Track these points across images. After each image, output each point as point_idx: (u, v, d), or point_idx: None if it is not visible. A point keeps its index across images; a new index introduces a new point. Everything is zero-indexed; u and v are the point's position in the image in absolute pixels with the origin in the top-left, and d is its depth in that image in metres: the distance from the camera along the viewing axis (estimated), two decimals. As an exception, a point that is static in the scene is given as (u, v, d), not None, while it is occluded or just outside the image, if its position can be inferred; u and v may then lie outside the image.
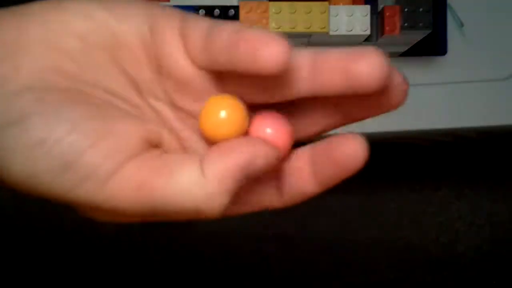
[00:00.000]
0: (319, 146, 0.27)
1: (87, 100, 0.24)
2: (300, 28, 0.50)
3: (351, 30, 0.51)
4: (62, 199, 0.25)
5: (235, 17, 0.50)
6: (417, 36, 0.53)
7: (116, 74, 0.25)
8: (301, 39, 0.53)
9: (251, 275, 1.18)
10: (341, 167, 0.28)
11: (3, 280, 1.18)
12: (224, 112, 0.25)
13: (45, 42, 0.24)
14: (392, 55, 0.59)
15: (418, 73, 0.60)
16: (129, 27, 0.25)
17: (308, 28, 0.50)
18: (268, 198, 0.28)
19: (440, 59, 0.60)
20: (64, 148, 0.23)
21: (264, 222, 1.18)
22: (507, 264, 1.18)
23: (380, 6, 0.53)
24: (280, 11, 0.50)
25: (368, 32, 0.51)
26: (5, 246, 1.19)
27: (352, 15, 0.51)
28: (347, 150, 0.27)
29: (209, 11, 0.50)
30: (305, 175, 0.28)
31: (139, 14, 0.25)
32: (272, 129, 0.26)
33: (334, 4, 0.52)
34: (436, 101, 0.60)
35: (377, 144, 0.67)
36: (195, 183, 0.23)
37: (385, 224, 1.18)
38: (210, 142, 0.26)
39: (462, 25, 0.60)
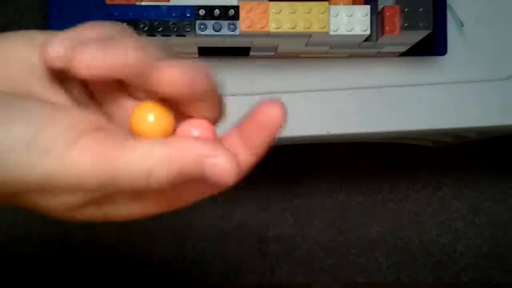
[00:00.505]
0: (243, 119, 0.30)
1: (30, 98, 0.28)
2: (300, 28, 0.50)
3: (351, 30, 0.51)
4: (25, 185, 0.27)
5: (235, 17, 0.50)
6: (417, 36, 0.53)
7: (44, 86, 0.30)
8: (301, 39, 0.53)
9: (251, 275, 1.18)
10: (266, 128, 0.31)
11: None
12: (152, 115, 0.28)
13: None
14: (392, 55, 0.59)
15: (418, 73, 0.60)
16: None
17: (308, 28, 0.50)
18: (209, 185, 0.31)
19: (440, 59, 0.60)
20: (23, 131, 0.26)
21: (264, 222, 1.18)
22: (507, 264, 1.18)
23: (380, 6, 0.53)
24: (280, 11, 0.50)
25: (368, 32, 0.51)
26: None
27: (352, 15, 0.51)
28: (268, 111, 0.30)
29: (209, 11, 0.50)
30: (237, 148, 0.31)
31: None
32: (198, 131, 0.30)
33: (334, 4, 0.52)
34: (435, 101, 0.60)
35: (377, 144, 0.68)
36: (147, 153, 0.27)
37: (385, 224, 1.18)
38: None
39: (462, 25, 0.60)
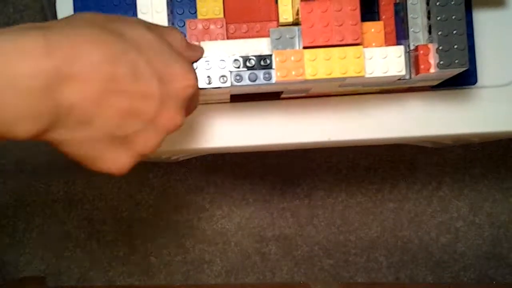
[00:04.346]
0: None
1: None
2: (337, 74, 0.50)
3: (386, 72, 0.51)
4: None
5: (270, 66, 0.50)
6: (452, 72, 0.53)
7: None
8: (336, 82, 0.53)
9: (251, 275, 1.18)
10: None
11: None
12: None
13: None
14: (424, 89, 0.59)
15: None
16: None
17: (344, 73, 0.50)
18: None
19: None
20: None
21: (264, 222, 1.18)
22: (507, 264, 1.18)
23: (413, 44, 0.53)
24: (316, 58, 0.50)
25: (403, 73, 0.51)
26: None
27: (386, 56, 0.51)
28: None
29: (243, 61, 0.50)
30: None
31: None
32: None
33: (367, 46, 0.51)
34: (435, 107, 0.60)
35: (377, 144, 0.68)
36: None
37: (385, 224, 1.18)
38: None
39: None
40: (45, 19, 1.13)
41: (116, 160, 0.39)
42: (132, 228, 1.19)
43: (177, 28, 0.46)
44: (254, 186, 1.19)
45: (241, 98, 0.58)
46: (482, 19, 0.60)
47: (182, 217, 1.19)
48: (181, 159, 0.90)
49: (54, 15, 0.62)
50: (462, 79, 0.59)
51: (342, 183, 1.19)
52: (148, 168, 1.19)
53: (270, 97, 0.59)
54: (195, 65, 0.50)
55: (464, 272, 1.18)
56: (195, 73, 0.42)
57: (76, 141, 0.37)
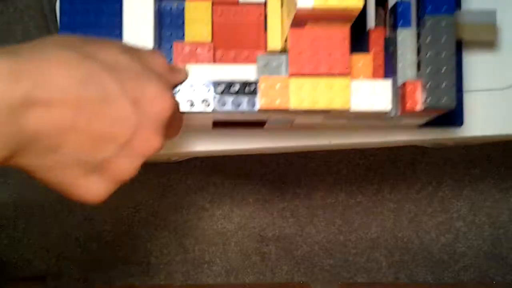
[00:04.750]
0: None
1: None
2: (321, 105, 0.49)
3: (373, 106, 0.50)
4: None
5: (255, 92, 0.49)
6: (439, 111, 0.52)
7: None
8: (320, 114, 0.52)
9: (251, 275, 1.19)
10: None
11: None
12: None
13: None
14: (411, 127, 0.59)
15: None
16: None
17: (329, 104, 0.49)
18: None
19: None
20: None
21: (264, 222, 1.18)
22: (507, 264, 1.18)
23: (401, 80, 0.52)
24: (301, 87, 0.49)
25: (389, 108, 0.50)
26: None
27: (373, 90, 0.50)
28: None
29: (228, 86, 0.49)
30: None
31: None
32: None
33: (355, 78, 0.51)
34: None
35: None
36: None
37: (385, 224, 1.18)
38: None
39: None
40: (45, 19, 1.13)
41: (91, 188, 0.38)
42: (132, 228, 1.19)
43: (158, 51, 0.45)
44: (254, 186, 1.19)
45: (223, 126, 0.57)
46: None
47: (182, 217, 1.18)
48: (181, 159, 0.90)
49: (54, 16, 0.62)
50: (448, 119, 0.58)
51: (342, 183, 1.19)
52: (148, 168, 1.19)
53: (253, 126, 0.58)
54: (178, 87, 0.49)
55: (464, 272, 1.18)
56: (173, 96, 0.40)
57: (46, 168, 0.36)
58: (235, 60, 0.55)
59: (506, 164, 1.19)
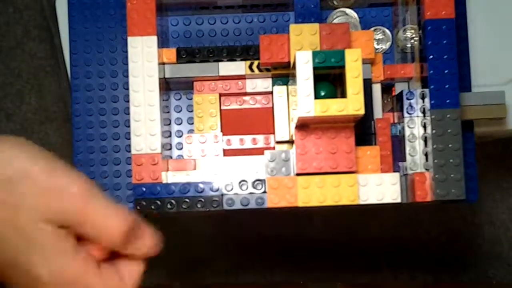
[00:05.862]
0: None
1: None
2: (330, 202, 0.50)
3: (382, 199, 0.51)
4: None
5: (263, 191, 0.51)
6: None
7: None
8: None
9: (251, 275, 1.19)
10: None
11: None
12: None
13: None
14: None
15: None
16: None
17: (338, 201, 0.50)
18: None
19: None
20: None
21: (264, 222, 1.19)
22: (507, 264, 1.18)
23: (409, 167, 0.52)
24: (309, 186, 0.50)
25: (398, 200, 0.51)
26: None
27: (381, 184, 0.50)
28: None
29: (237, 185, 0.51)
30: None
31: None
32: None
33: (362, 171, 0.51)
34: None
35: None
36: None
37: (385, 224, 1.18)
38: None
39: None
40: (45, 19, 1.13)
41: None
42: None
43: (121, 212, 0.42)
44: (254, 186, 1.19)
45: None
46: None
47: (182, 217, 1.19)
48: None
49: (54, 16, 0.62)
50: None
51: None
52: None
53: None
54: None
55: (464, 272, 1.18)
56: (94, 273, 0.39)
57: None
58: (243, 146, 0.56)
59: (505, 163, 1.19)
